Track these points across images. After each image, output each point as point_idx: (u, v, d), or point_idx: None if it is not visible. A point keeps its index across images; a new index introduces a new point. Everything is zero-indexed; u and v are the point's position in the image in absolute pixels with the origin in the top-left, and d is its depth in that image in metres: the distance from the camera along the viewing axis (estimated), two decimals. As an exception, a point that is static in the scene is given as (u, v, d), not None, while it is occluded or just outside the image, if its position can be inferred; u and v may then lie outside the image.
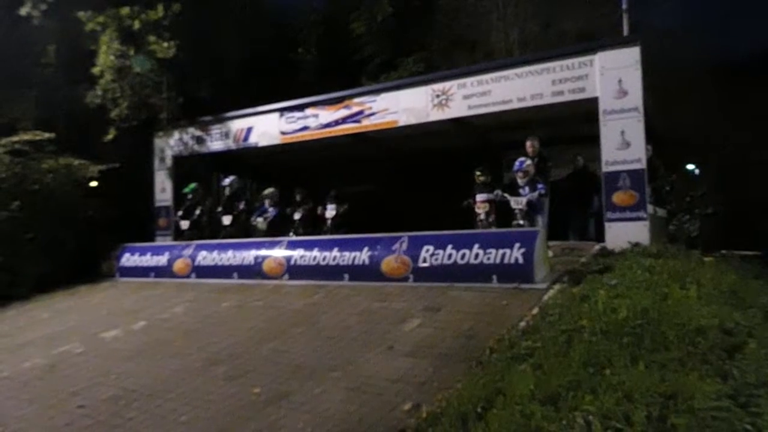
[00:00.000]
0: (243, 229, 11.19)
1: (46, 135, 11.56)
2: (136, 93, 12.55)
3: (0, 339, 7.64)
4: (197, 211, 11.40)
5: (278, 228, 11.00)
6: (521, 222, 8.18)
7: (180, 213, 11.48)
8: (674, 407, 3.09)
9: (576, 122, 9.76)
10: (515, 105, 9.28)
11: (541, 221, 8.30)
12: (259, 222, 10.83)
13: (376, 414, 3.84)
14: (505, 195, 8.40)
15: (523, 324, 5.23)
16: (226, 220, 11.01)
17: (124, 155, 12.30)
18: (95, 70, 12.28)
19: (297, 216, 12.75)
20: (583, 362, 3.84)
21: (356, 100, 11.03)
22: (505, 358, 4.37)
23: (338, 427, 3.74)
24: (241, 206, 11.21)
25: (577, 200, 9.98)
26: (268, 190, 11.36)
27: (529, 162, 8.33)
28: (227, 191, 11.39)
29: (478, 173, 10.39)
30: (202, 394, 4.66)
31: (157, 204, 13.16)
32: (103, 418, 4.41)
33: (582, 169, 10.47)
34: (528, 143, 9.20)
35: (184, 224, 11.30)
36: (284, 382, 4.66)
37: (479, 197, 10.07)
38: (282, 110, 11.92)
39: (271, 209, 11.21)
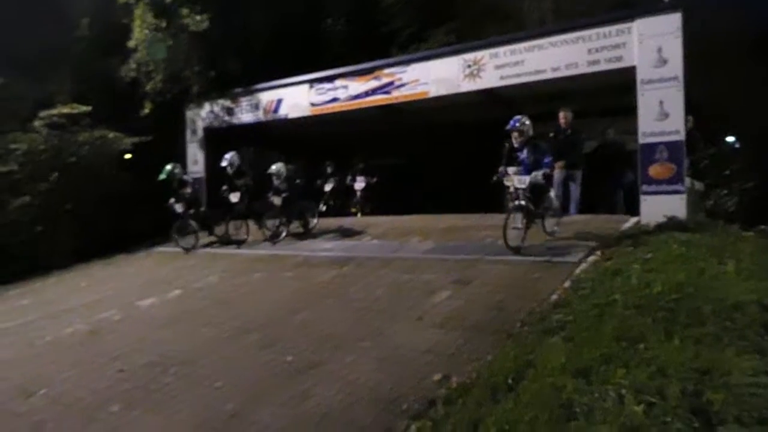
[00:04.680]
0: (254, 206, 10.68)
1: (83, 108, 11.77)
2: (169, 66, 12.65)
3: (43, 306, 7.94)
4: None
5: (292, 205, 10.32)
6: (521, 203, 7.02)
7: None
8: (710, 383, 3.04)
9: (609, 93, 9.51)
10: (549, 75, 9.07)
11: (553, 199, 7.65)
12: (275, 200, 10.21)
13: (406, 384, 3.88)
14: (508, 171, 7.22)
15: (554, 297, 5.19)
16: (234, 197, 10.54)
17: (156, 128, 12.46)
18: (130, 44, 12.40)
19: (327, 188, 12.84)
20: (615, 336, 3.79)
21: (386, 71, 10.92)
22: (536, 330, 4.36)
23: (369, 395, 3.79)
24: (248, 182, 10.68)
25: (606, 173, 9.77)
26: (274, 167, 10.46)
27: (525, 120, 7.23)
28: (228, 170, 10.66)
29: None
30: (236, 361, 4.76)
31: (191, 175, 13.31)
32: (141, 383, 4.55)
33: (611, 142, 10.24)
34: (561, 114, 9.03)
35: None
36: (315, 351, 4.73)
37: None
38: (312, 81, 11.88)
39: (283, 185, 10.29)
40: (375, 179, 12.52)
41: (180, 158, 13.32)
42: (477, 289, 5.91)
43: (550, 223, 7.59)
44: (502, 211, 10.15)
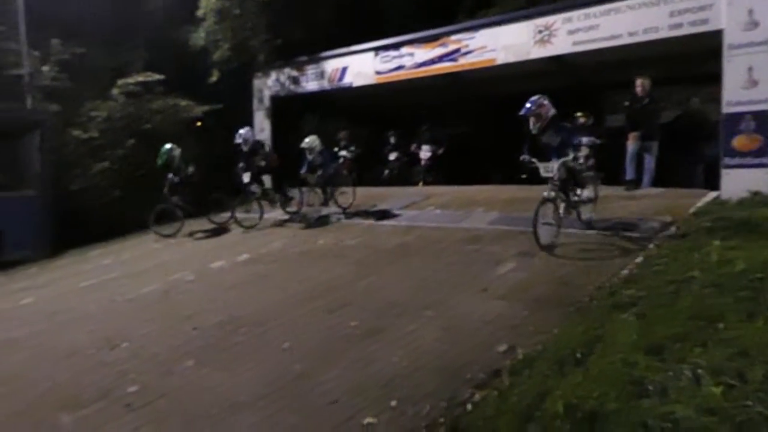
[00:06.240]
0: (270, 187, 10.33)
1: (156, 76, 12.18)
2: (236, 35, 12.87)
3: (122, 265, 8.42)
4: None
5: (332, 180, 9.84)
6: (551, 194, 6.16)
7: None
8: (797, 367, 2.87)
9: (692, 60, 8.96)
10: (625, 40, 8.61)
11: (591, 192, 6.92)
12: (309, 177, 9.74)
13: (470, 353, 3.87)
14: (533, 161, 6.35)
15: (625, 272, 5.03)
16: (246, 177, 9.81)
17: (225, 96, 12.76)
18: (199, 13, 12.68)
19: (392, 157, 12.83)
20: (692, 314, 3.62)
21: (453, 37, 10.68)
22: (605, 305, 4.24)
23: (433, 363, 3.81)
24: (262, 163, 10.05)
25: (685, 145, 9.26)
26: (307, 140, 9.72)
27: (542, 100, 6.32)
28: (244, 147, 9.89)
29: (579, 115, 9.91)
30: (303, 324, 4.89)
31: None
32: (213, 341, 4.75)
33: (693, 112, 9.66)
34: (638, 82, 8.58)
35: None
36: (379, 317, 4.79)
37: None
38: (377, 49, 11.79)
39: (319, 158, 9.67)
40: (441, 149, 12.36)
41: (247, 126, 13.62)
42: (542, 262, 5.81)
43: (585, 209, 6.86)
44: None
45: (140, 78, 12.18)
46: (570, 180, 6.45)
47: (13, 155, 11.54)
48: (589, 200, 6.94)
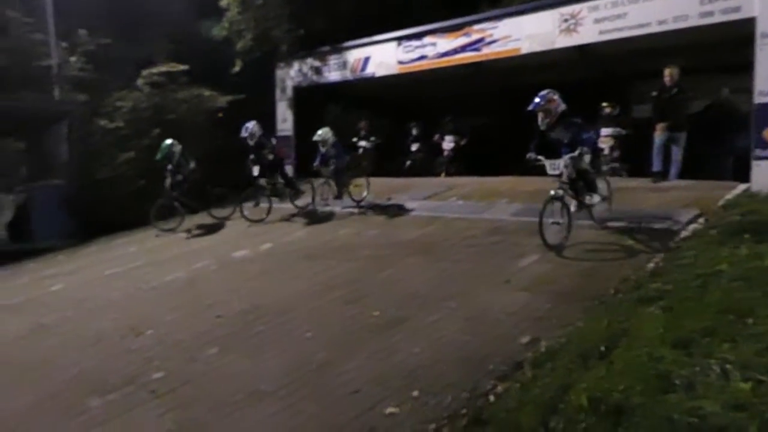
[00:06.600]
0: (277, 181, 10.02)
1: (181, 67, 12.28)
2: (259, 25, 12.91)
3: (146, 254, 8.54)
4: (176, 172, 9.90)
5: (343, 174, 9.72)
6: (559, 192, 5.87)
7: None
8: (829, 364, 2.80)
9: (723, 48, 8.73)
10: (654, 29, 8.42)
11: (604, 190, 6.54)
12: (323, 170, 9.59)
13: (492, 344, 3.85)
14: (539, 158, 6.09)
15: (651, 265, 4.96)
16: (256, 171, 9.60)
17: (247, 86, 12.82)
18: (222, 3, 12.75)
19: (414, 148, 12.79)
20: (720, 308, 3.55)
21: (476, 27, 10.56)
22: (630, 299, 4.19)
23: (455, 354, 3.80)
24: (270, 157, 9.83)
25: (715, 136, 9.04)
26: (320, 132, 9.59)
27: (552, 95, 6.04)
28: (250, 141, 9.65)
29: (604, 105, 9.78)
30: (324, 314, 4.91)
31: (279, 134, 13.65)
32: (236, 330, 4.80)
33: (723, 102, 9.42)
34: (666, 72, 8.39)
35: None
36: (400, 308, 4.79)
37: (603, 131, 9.51)
38: (400, 39, 11.73)
39: (332, 150, 9.52)
40: (464, 140, 12.26)
41: (269, 117, 13.69)
42: (566, 254, 5.74)
43: (598, 209, 6.53)
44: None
45: (164, 68, 12.31)
46: (580, 179, 6.17)
47: (41, 145, 11.76)
48: (603, 199, 6.58)
